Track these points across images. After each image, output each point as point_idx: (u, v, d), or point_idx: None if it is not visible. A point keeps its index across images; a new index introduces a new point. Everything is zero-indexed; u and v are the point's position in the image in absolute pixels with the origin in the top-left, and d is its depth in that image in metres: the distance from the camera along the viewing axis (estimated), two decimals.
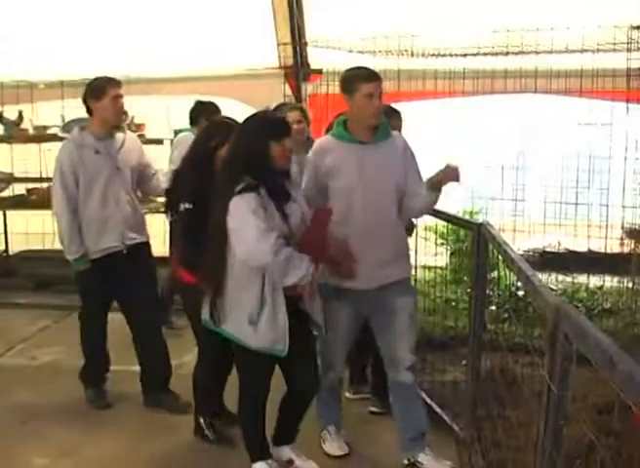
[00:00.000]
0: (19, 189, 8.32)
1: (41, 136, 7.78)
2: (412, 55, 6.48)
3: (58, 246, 4.96)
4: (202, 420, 4.56)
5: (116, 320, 5.11)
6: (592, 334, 1.95)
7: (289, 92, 7.26)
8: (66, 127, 4.95)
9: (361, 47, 6.54)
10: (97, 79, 4.78)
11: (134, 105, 6.61)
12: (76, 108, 7.74)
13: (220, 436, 4.54)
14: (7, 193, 8.34)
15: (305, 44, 7.36)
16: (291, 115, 5.02)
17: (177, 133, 6.34)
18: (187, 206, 4.16)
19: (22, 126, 7.88)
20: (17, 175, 8.17)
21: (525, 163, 6.65)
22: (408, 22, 6.41)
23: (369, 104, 3.84)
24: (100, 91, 4.68)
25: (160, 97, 7.86)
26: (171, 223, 5.65)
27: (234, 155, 3.61)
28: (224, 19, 7.11)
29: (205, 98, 6.20)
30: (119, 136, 4.90)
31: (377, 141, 3.98)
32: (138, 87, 6.51)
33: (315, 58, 7.43)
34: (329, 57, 7.06)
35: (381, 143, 3.99)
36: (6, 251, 8.70)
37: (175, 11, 7.22)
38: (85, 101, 4.76)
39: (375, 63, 6.77)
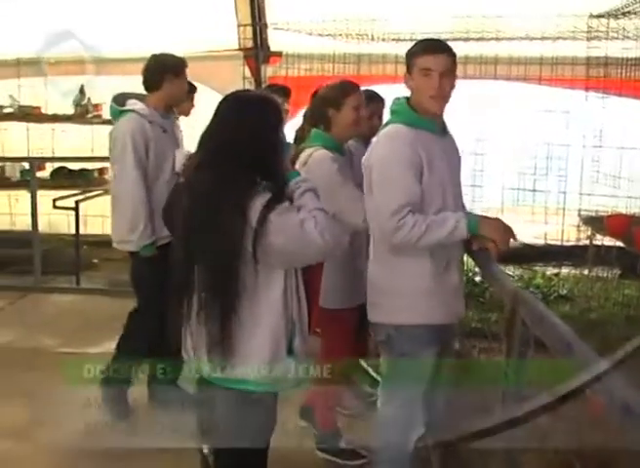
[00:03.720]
0: None
1: None
2: (372, 39, 6.44)
3: (13, 227, 4.69)
4: None
5: (68, 302, 4.93)
6: (549, 320, 1.94)
7: (248, 74, 7.19)
8: (118, 99, 4.50)
9: (321, 30, 6.50)
10: (170, 56, 4.50)
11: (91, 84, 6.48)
12: None
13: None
14: None
15: (265, 26, 7.28)
16: (357, 99, 3.80)
17: None
18: None
19: None
20: None
21: (483, 149, 6.67)
22: (369, 6, 6.37)
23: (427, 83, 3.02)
24: (179, 68, 4.45)
25: (117, 77, 7.71)
26: None
27: (242, 148, 2.50)
28: None
29: None
30: (173, 115, 4.70)
31: (444, 134, 3.22)
32: (94, 66, 6.38)
33: (275, 41, 7.35)
34: (289, 39, 7.02)
35: (448, 137, 3.26)
36: None
37: None
38: (153, 74, 4.44)
39: (335, 47, 6.77)
